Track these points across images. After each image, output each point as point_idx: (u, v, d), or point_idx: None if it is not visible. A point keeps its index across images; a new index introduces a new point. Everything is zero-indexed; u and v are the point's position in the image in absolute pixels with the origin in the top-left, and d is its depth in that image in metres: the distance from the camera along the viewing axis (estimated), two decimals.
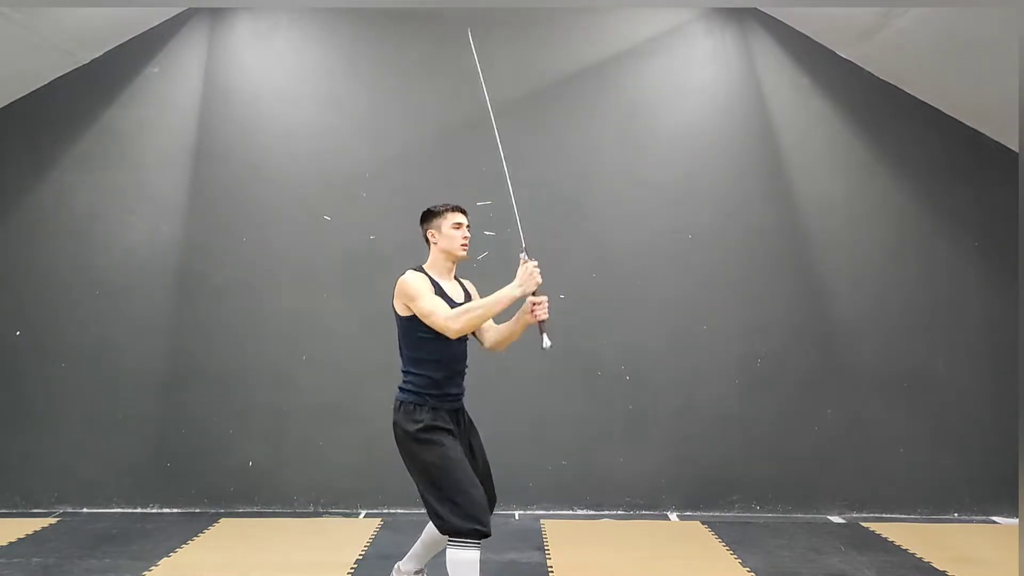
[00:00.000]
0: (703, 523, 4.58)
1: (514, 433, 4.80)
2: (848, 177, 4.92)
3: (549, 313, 2.90)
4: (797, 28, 4.95)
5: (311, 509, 4.81)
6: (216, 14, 4.97)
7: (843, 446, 4.82)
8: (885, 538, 4.30)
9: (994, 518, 4.77)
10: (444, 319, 2.80)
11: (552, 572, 3.75)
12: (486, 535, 2.78)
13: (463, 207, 3.05)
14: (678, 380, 4.85)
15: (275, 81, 4.95)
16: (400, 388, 2.97)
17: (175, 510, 4.77)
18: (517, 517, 4.71)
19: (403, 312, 2.93)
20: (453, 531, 2.77)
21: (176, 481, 4.79)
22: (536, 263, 2.87)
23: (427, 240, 3.07)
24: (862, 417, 4.83)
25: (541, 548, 4.10)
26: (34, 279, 4.83)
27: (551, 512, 4.79)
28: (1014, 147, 4.82)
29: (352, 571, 3.74)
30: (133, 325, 4.83)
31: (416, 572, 3.22)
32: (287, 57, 4.97)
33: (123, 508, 4.77)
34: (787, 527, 4.54)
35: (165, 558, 3.89)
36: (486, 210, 4.74)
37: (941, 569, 3.80)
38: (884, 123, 4.91)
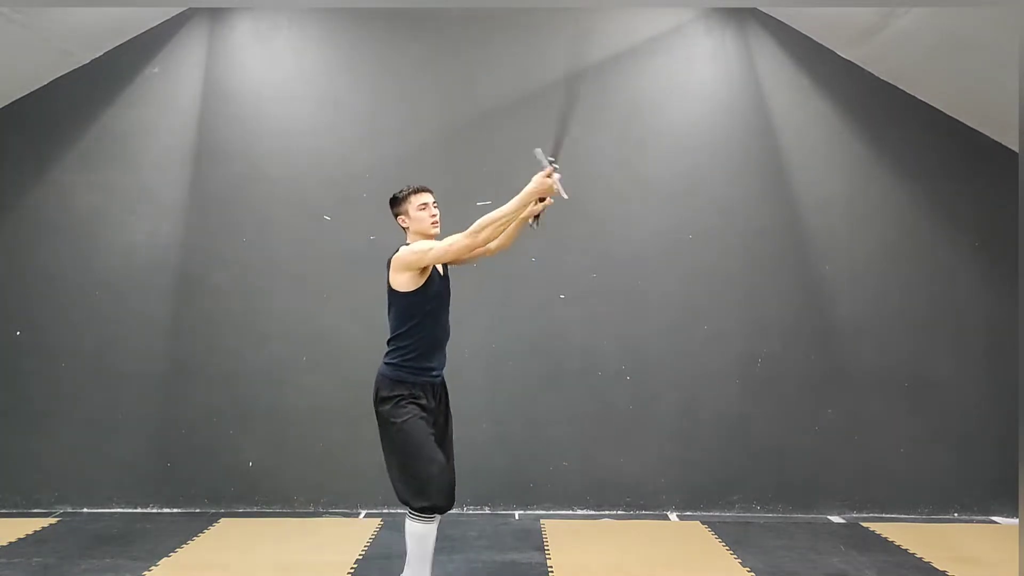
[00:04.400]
0: (703, 523, 4.58)
1: (514, 433, 4.81)
2: (848, 177, 4.92)
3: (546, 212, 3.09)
4: (797, 28, 4.95)
5: (311, 509, 4.81)
6: (216, 14, 4.96)
7: (843, 446, 4.82)
8: (885, 538, 4.30)
9: (994, 518, 4.77)
10: (466, 237, 2.93)
11: (552, 572, 3.75)
12: (437, 511, 2.96)
13: (426, 186, 3.18)
14: (678, 380, 4.85)
15: (275, 81, 4.95)
16: (385, 363, 3.09)
17: (175, 510, 4.77)
18: (517, 517, 4.71)
19: (407, 287, 3.02)
20: (405, 503, 2.97)
21: (176, 481, 4.79)
22: (558, 178, 2.98)
23: (401, 227, 3.20)
24: (862, 417, 4.83)
25: (541, 548, 4.10)
26: (34, 279, 4.83)
27: (551, 512, 4.79)
28: (1014, 147, 4.81)
29: (352, 571, 3.74)
30: (133, 325, 4.83)
31: None
32: (287, 57, 4.97)
33: (123, 508, 4.77)
34: (787, 527, 4.54)
35: (165, 558, 3.89)
36: (486, 210, 4.73)
37: (941, 569, 3.80)
38: (884, 123, 4.91)
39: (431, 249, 2.97)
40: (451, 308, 3.20)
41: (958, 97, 4.75)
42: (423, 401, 3.06)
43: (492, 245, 3.21)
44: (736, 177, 4.93)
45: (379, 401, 3.05)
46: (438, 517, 3.00)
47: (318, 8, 4.95)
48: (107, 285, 4.84)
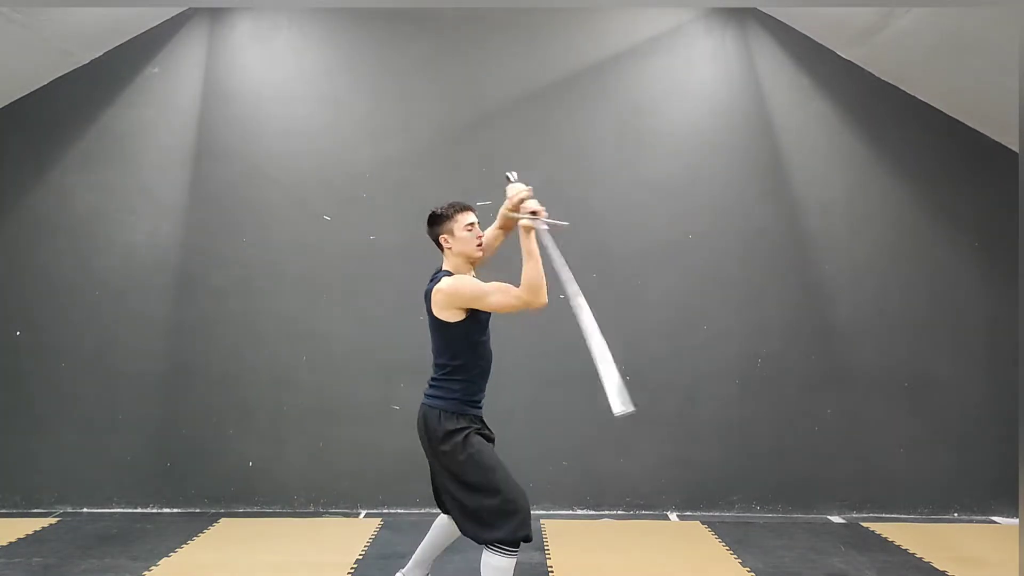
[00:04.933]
0: (703, 523, 4.58)
1: (514, 433, 4.79)
2: (848, 177, 4.92)
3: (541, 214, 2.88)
4: (797, 28, 4.95)
5: (311, 509, 4.81)
6: (216, 14, 4.96)
7: (843, 446, 4.82)
8: (885, 538, 4.31)
9: (994, 518, 4.77)
10: (526, 300, 2.74)
11: (552, 572, 3.75)
12: (528, 540, 2.74)
13: (469, 204, 2.99)
14: (678, 380, 4.85)
15: (275, 81, 4.95)
16: (436, 397, 2.87)
17: (175, 510, 4.77)
18: None
19: (455, 318, 2.81)
20: (500, 541, 2.70)
21: (176, 481, 4.79)
22: (524, 189, 2.90)
23: (439, 245, 2.96)
24: (862, 417, 4.83)
25: (541, 548, 4.10)
26: (34, 279, 4.83)
27: (551, 512, 4.79)
28: (1014, 147, 4.81)
29: (352, 571, 3.74)
30: (133, 325, 4.83)
31: None
32: (287, 57, 4.96)
33: (123, 508, 4.77)
34: (787, 527, 4.54)
35: (165, 558, 3.89)
36: (486, 211, 4.73)
37: (941, 569, 3.80)
38: (884, 123, 4.91)
39: (486, 296, 2.76)
40: None
41: (958, 97, 4.75)
42: (487, 431, 2.94)
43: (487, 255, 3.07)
44: (736, 177, 4.93)
45: (442, 437, 2.79)
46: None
47: (318, 8, 4.95)
48: (107, 285, 4.84)
